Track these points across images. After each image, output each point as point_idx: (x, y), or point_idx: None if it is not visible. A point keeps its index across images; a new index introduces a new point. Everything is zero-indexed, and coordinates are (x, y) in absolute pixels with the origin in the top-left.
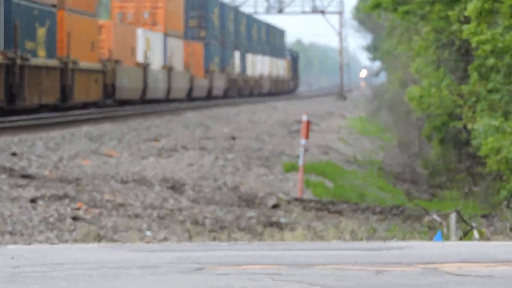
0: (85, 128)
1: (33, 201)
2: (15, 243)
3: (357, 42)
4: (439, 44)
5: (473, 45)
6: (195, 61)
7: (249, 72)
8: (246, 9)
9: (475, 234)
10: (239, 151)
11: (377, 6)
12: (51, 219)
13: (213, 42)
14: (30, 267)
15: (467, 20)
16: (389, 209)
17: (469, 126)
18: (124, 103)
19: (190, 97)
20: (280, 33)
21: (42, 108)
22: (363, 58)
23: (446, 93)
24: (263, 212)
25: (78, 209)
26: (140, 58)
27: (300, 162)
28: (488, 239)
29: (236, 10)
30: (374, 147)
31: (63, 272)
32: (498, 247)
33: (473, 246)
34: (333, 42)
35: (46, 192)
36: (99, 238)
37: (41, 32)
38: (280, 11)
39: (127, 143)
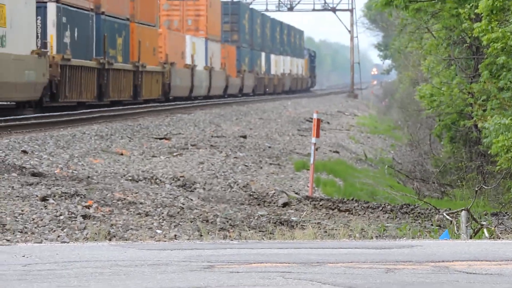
0: (95, 127)
1: (43, 199)
2: (26, 241)
3: (368, 40)
4: (450, 42)
5: (484, 43)
6: (229, 62)
7: (273, 71)
8: (257, 6)
9: (485, 232)
10: (250, 149)
11: (388, 3)
12: (61, 218)
13: (244, 44)
14: (41, 265)
15: (478, 18)
16: (399, 208)
17: (480, 124)
18: (176, 99)
19: (225, 94)
20: (299, 33)
21: (118, 103)
22: (374, 56)
23: (456, 92)
24: (274, 210)
25: (89, 207)
26: (188, 60)
27: (311, 161)
28: (498, 237)
29: (262, 14)
30: (385, 146)
31: (74, 270)
32: (508, 245)
33: (483, 245)
34: (344, 40)
35: (57, 190)
36: (109, 237)
37: (119, 41)
38: (291, 8)
39: (138, 142)
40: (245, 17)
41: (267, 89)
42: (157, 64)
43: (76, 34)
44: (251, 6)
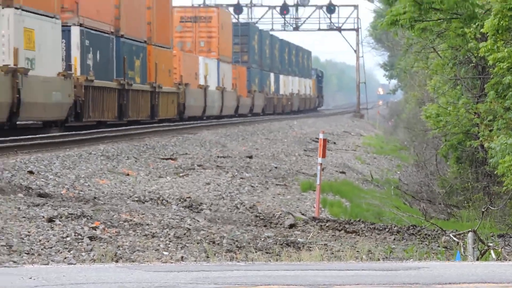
0: (102, 147)
1: (50, 220)
2: (32, 263)
3: (374, 59)
4: (456, 61)
5: (490, 62)
6: (240, 83)
7: (282, 91)
8: (263, 26)
9: (492, 254)
10: (256, 170)
11: (394, 23)
12: (68, 239)
13: (254, 65)
14: (48, 287)
15: (483, 38)
16: (406, 229)
17: (486, 144)
18: (190, 118)
19: (236, 113)
20: (307, 53)
21: (136, 122)
22: (380, 75)
23: (463, 111)
24: (280, 231)
25: (96, 228)
26: (201, 81)
27: (317, 181)
28: (505, 259)
29: (271, 35)
30: (391, 166)
31: None
32: None
33: (490, 266)
34: (349, 59)
35: (63, 211)
36: (116, 258)
37: (137, 63)
38: (297, 28)
39: (144, 162)
40: (255, 38)
41: (276, 109)
42: (172, 85)
43: (98, 56)
44: (252, 23)
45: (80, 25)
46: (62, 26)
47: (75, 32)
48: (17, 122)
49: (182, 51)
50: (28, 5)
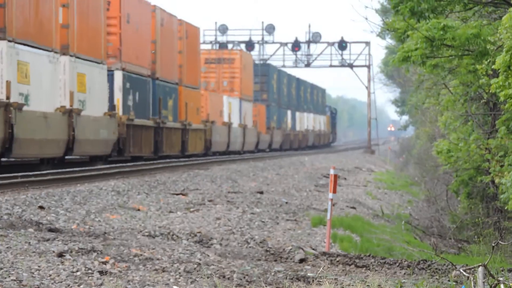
0: (113, 182)
1: (60, 255)
2: None
3: (385, 96)
4: (467, 98)
5: (501, 99)
6: (260, 120)
7: (298, 127)
8: (274, 62)
9: None
10: (267, 205)
11: (405, 59)
12: (78, 273)
13: (273, 103)
14: None
15: (495, 74)
16: (416, 264)
17: (497, 180)
18: (215, 153)
19: (257, 149)
20: (322, 91)
21: (168, 157)
22: (391, 111)
23: (474, 147)
24: (290, 266)
25: (106, 263)
26: (225, 118)
27: (328, 216)
28: None
29: (288, 74)
30: (402, 201)
31: None
32: None
33: None
34: (361, 95)
35: (74, 246)
36: None
37: (170, 102)
38: (308, 64)
39: (155, 197)
40: (274, 77)
41: (293, 145)
42: (200, 122)
43: (137, 97)
44: (268, 62)
45: (123, 69)
46: (107, 70)
47: (118, 75)
48: (67, 157)
49: (207, 90)
50: (80, 53)
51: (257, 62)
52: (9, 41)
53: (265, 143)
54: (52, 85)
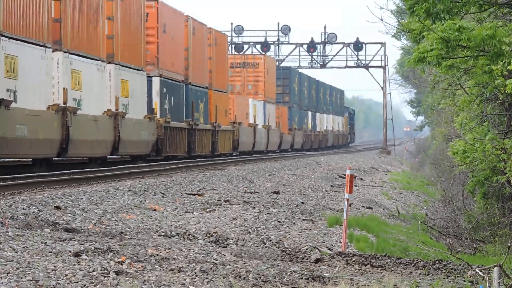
0: (129, 182)
1: (76, 255)
2: None
3: (400, 96)
4: (483, 98)
5: None
6: (282, 121)
7: (318, 128)
8: (290, 63)
9: None
10: (283, 205)
11: (421, 60)
12: (94, 273)
13: (294, 105)
14: None
15: (510, 75)
16: (432, 264)
17: None
18: (241, 153)
19: (279, 149)
20: (340, 93)
21: (199, 156)
22: (407, 112)
23: (489, 148)
24: (306, 266)
25: (122, 263)
26: (251, 120)
27: (344, 216)
28: None
29: (309, 77)
30: (418, 202)
31: None
32: None
33: None
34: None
35: (90, 246)
36: None
37: (201, 106)
38: (324, 65)
39: (171, 197)
40: (295, 80)
41: (313, 145)
42: (228, 124)
43: (172, 101)
44: (283, 64)
45: (160, 75)
46: (146, 77)
47: (156, 81)
48: (109, 156)
49: (233, 93)
50: (124, 61)
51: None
52: (64, 52)
53: (287, 144)
54: (100, 91)
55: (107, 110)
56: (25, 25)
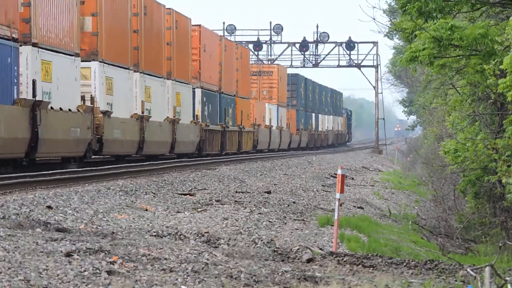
0: (120, 182)
1: (68, 255)
2: None
3: (392, 95)
4: (475, 98)
5: (509, 99)
6: (291, 123)
7: (320, 128)
8: (282, 62)
9: (510, 287)
10: (274, 205)
11: (413, 59)
12: (86, 273)
13: (301, 108)
14: None
15: (502, 74)
16: (423, 264)
17: (504, 180)
18: (258, 151)
19: (289, 147)
20: (339, 95)
21: (227, 154)
22: (399, 112)
23: (481, 147)
24: (298, 266)
25: (114, 263)
26: (267, 122)
27: (335, 216)
28: None
29: (313, 82)
30: (409, 201)
31: None
32: None
33: None
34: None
35: (82, 246)
36: None
37: (230, 111)
38: (316, 64)
39: (163, 197)
40: (302, 85)
41: (316, 143)
42: (250, 126)
43: (210, 108)
44: (276, 63)
45: (201, 87)
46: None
47: (198, 92)
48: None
49: (252, 99)
50: (178, 77)
51: (265, 62)
52: (140, 72)
53: (295, 142)
54: (162, 102)
55: (167, 117)
56: (116, 53)
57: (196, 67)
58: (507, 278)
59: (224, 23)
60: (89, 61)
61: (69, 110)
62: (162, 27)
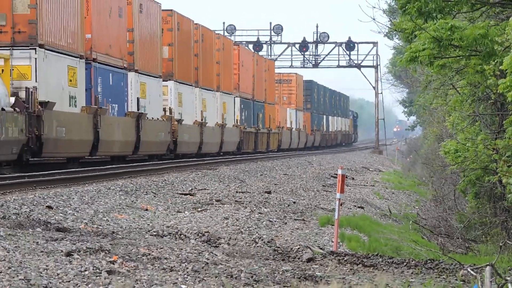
0: (120, 182)
1: (68, 254)
2: None
3: (392, 96)
4: (475, 98)
5: (509, 99)
6: (307, 124)
7: (330, 129)
8: (282, 63)
9: (510, 287)
10: (274, 205)
11: (413, 60)
12: (86, 273)
13: (314, 111)
14: None
15: (502, 74)
16: (424, 263)
17: (504, 180)
18: (280, 150)
19: (305, 146)
20: (346, 98)
21: (259, 152)
22: (399, 112)
23: (481, 148)
24: (298, 265)
25: (114, 262)
26: (288, 124)
27: (336, 216)
28: None
29: (324, 87)
30: (410, 201)
31: None
32: None
33: None
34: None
35: (82, 245)
36: None
37: (260, 115)
38: (316, 65)
39: (163, 197)
40: (315, 90)
41: (327, 143)
42: (275, 128)
43: (246, 114)
44: (276, 63)
45: (240, 97)
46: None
47: (237, 101)
48: (201, 152)
49: (276, 104)
50: (223, 89)
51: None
52: (175, 81)
53: (310, 142)
54: (213, 111)
55: (217, 123)
56: (184, 73)
57: (235, 80)
58: (508, 278)
59: (224, 23)
60: (167, 80)
61: (157, 118)
62: (213, 50)
